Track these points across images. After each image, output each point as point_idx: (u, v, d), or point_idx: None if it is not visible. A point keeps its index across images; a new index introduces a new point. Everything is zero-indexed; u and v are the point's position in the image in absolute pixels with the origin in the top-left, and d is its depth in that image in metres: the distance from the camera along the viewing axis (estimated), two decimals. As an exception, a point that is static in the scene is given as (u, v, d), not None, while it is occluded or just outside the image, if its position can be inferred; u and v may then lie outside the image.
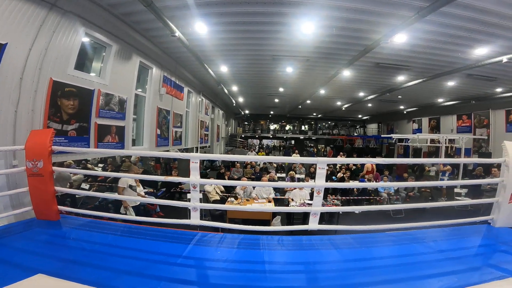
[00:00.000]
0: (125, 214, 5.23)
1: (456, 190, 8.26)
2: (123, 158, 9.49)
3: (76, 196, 6.24)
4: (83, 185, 7.46)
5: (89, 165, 9.09)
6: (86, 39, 5.47)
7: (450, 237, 3.08)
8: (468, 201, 6.32)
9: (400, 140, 18.40)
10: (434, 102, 16.08)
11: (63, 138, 4.78)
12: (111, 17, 5.75)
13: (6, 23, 3.70)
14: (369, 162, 9.91)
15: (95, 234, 3.04)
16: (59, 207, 3.32)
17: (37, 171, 3.08)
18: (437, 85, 11.68)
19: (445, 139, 11.79)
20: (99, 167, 9.85)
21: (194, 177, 2.98)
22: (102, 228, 3.21)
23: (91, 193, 6.34)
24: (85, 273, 2.18)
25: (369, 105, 19.05)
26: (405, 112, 20.42)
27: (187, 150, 11.76)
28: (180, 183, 7.81)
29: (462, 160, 10.55)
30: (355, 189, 8.22)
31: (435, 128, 18.10)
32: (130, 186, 5.28)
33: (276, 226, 5.54)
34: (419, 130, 19.39)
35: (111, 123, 6.12)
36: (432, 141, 15.42)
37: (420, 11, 5.25)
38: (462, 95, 13.62)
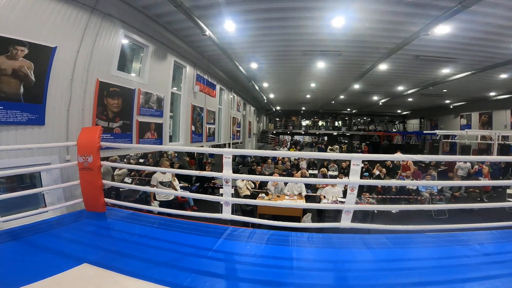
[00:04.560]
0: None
1: (508, 191, 7.48)
2: (163, 154, 10.07)
3: (120, 189, 6.76)
4: (126, 179, 8.04)
5: (131, 160, 9.79)
6: (125, 41, 5.80)
7: (498, 240, 2.83)
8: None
9: (446, 136, 17.12)
10: (485, 95, 14.60)
11: (109, 135, 5.16)
12: (146, 18, 6.04)
13: (54, 27, 3.95)
14: (407, 158, 9.29)
15: (135, 226, 3.26)
16: (105, 199, 3.60)
17: (87, 165, 3.38)
18: (488, 78, 10.58)
19: (498, 136, 10.70)
20: (140, 162, 10.55)
21: (227, 172, 3.06)
22: (141, 220, 3.43)
23: (132, 186, 6.82)
24: (124, 263, 2.35)
25: (410, 99, 17.89)
26: (451, 106, 18.91)
27: (219, 146, 12.05)
28: (213, 178, 8.07)
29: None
30: (393, 187, 7.79)
31: (486, 123, 16.55)
32: (161, 183, 5.51)
33: (307, 223, 5.49)
34: (467, 126, 17.83)
35: (150, 120, 6.48)
36: (483, 137, 14.18)
37: (463, 2, 4.79)
38: (518, 87, 12.19)
